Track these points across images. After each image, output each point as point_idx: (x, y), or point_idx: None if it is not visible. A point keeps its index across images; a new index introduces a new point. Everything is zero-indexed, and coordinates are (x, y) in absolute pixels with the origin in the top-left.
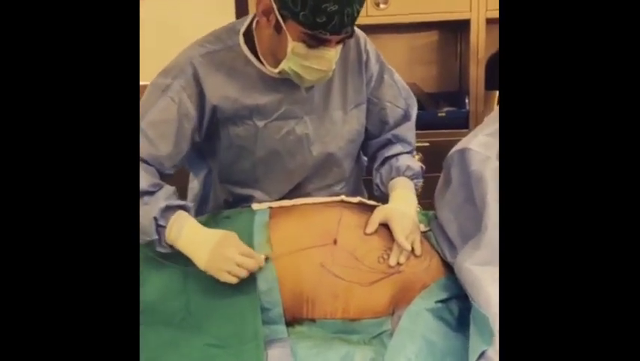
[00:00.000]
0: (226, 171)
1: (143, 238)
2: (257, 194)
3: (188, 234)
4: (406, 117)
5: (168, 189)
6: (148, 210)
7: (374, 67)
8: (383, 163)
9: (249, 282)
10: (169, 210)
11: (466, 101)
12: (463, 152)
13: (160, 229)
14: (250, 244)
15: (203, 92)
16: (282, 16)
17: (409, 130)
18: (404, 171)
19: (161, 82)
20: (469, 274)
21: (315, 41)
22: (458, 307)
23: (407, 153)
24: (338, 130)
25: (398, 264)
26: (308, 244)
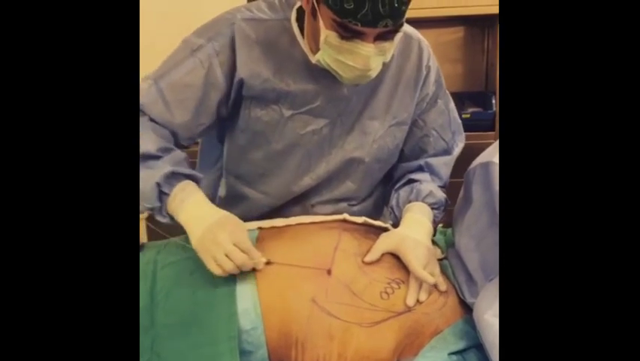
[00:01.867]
0: (234, 159)
1: (143, 206)
2: (253, 194)
3: (191, 207)
4: (447, 152)
5: (178, 154)
6: (151, 175)
7: (431, 87)
8: (404, 185)
9: (227, 317)
10: (174, 176)
11: (493, 101)
12: (486, 166)
13: (163, 196)
14: (230, 276)
15: (235, 62)
16: None
17: (445, 165)
18: (425, 196)
19: (193, 41)
20: (489, 330)
21: (347, 32)
22: (478, 359)
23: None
24: (368, 143)
25: (418, 301)
26: (298, 274)
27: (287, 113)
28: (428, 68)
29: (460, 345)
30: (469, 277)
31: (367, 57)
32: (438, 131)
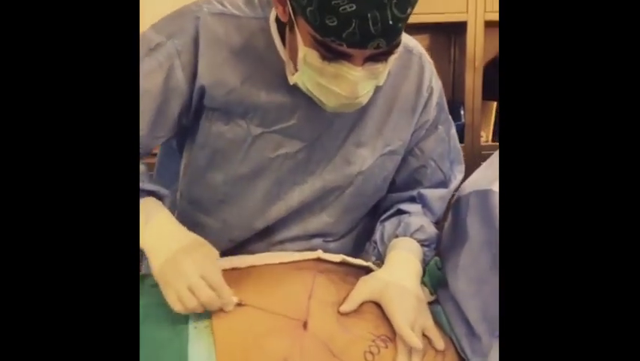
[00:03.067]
0: (189, 180)
1: None
2: (210, 224)
3: (155, 227)
4: (443, 184)
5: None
6: None
7: (432, 112)
8: (391, 216)
9: None
10: None
11: (461, 112)
12: (484, 196)
13: None
14: (182, 327)
15: (197, 65)
16: (292, 9)
17: (440, 199)
18: (414, 231)
19: (151, 37)
20: None
21: (330, 53)
22: None
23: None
24: (352, 174)
25: None
26: (266, 329)
27: (255, 130)
28: (430, 89)
29: None
30: (470, 330)
31: (355, 83)
32: (436, 162)
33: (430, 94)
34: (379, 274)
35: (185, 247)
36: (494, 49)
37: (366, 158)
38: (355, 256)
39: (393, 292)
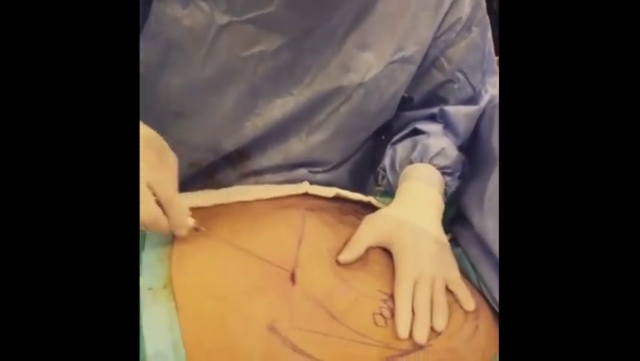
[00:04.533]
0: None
1: None
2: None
3: None
4: (472, 100)
5: None
6: None
7: (465, 8)
8: (405, 137)
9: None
10: None
11: None
12: None
13: None
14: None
15: None
16: None
17: (467, 117)
18: (434, 155)
19: None
20: None
21: None
22: None
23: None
24: (350, 84)
25: (433, 332)
26: (244, 284)
27: (221, 18)
28: None
29: None
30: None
31: None
32: (466, 75)
33: None
34: (389, 210)
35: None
36: None
37: (371, 65)
38: (353, 191)
39: (407, 236)
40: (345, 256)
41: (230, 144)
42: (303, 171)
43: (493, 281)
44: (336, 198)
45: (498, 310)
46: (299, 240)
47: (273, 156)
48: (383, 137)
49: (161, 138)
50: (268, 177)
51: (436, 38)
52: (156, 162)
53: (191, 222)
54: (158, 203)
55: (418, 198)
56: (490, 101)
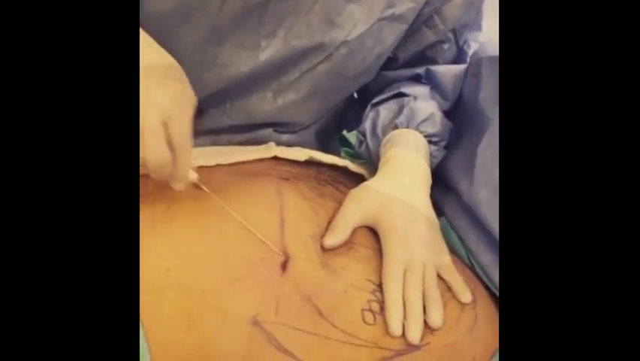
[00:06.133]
0: None
1: None
2: None
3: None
4: (458, 59)
5: None
6: None
7: None
8: (389, 99)
9: None
10: None
11: None
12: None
13: None
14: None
15: None
16: None
17: (455, 77)
18: (422, 121)
19: None
20: None
21: None
22: None
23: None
24: (332, 41)
25: (429, 329)
26: (222, 274)
27: None
28: None
29: None
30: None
31: None
32: (456, 34)
33: None
34: (375, 184)
35: (155, 68)
36: None
37: (358, 21)
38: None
39: (396, 214)
40: (331, 241)
41: None
42: (267, 131)
43: (485, 257)
44: (311, 163)
45: (493, 290)
46: (280, 222)
47: (233, 115)
48: (356, 95)
49: (182, 71)
50: (226, 137)
51: None
52: (179, 95)
53: (193, 176)
54: (169, 144)
55: (405, 169)
56: (472, 56)
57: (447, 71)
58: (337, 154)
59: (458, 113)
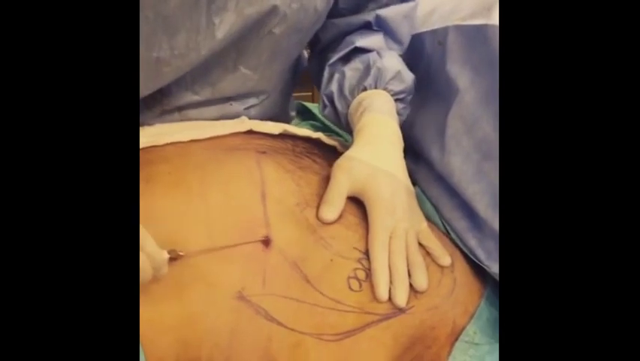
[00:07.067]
0: None
1: None
2: None
3: None
4: None
5: None
6: None
7: None
8: (348, 58)
9: None
10: None
11: None
12: (479, 33)
13: None
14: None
15: None
16: None
17: (406, 19)
18: (390, 79)
19: None
20: None
21: None
22: None
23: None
24: (282, 1)
25: (413, 292)
26: (204, 242)
27: None
28: None
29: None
30: (477, 224)
31: None
32: None
33: None
34: (358, 154)
35: None
36: None
37: None
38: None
39: (382, 185)
40: (329, 214)
41: (147, 90)
42: (236, 106)
43: (459, 224)
44: (283, 135)
45: (470, 255)
46: (262, 194)
47: (198, 90)
48: (308, 50)
49: None
50: (195, 112)
51: None
52: None
53: (165, 255)
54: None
55: (382, 136)
56: (438, 25)
57: (396, 14)
58: (289, 123)
59: (425, 81)
